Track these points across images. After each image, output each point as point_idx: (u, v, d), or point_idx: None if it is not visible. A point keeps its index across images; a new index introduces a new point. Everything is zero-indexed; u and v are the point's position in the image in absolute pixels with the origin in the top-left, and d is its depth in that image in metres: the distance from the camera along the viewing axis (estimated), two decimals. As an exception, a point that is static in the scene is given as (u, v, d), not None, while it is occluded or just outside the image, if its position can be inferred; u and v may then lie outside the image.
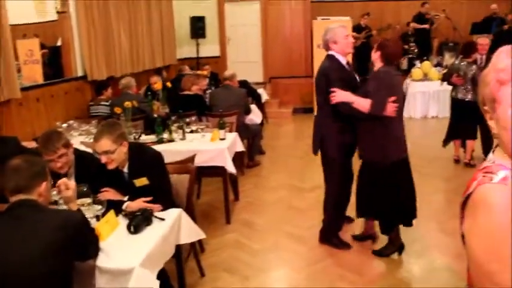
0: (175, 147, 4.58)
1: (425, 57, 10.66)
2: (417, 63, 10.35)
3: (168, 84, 7.36)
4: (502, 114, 1.16)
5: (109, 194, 3.05)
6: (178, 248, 3.04)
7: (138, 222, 2.71)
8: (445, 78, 6.37)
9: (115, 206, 2.90)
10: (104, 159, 3.00)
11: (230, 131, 5.24)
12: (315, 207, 4.97)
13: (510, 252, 1.07)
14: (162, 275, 2.79)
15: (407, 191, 3.92)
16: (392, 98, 3.63)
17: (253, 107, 7.11)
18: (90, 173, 3.13)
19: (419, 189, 5.42)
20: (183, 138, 4.82)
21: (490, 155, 1.27)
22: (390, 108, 3.64)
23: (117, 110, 5.06)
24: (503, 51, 1.19)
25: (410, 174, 3.93)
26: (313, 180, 5.84)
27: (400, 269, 3.82)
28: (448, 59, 10.57)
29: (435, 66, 10.42)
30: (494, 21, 10.96)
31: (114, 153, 3.00)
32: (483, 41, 6.46)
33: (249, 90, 7.32)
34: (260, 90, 8.70)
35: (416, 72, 9.99)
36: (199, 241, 3.98)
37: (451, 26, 11.37)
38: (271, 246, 4.28)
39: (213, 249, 4.21)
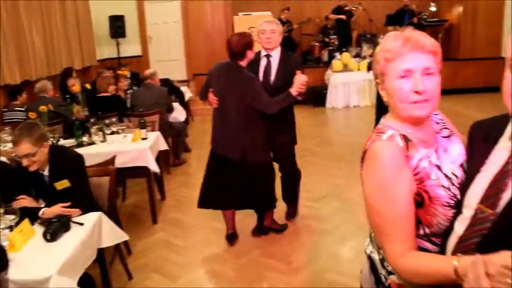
0: (95, 150, 4.46)
1: (344, 49, 11.00)
2: (337, 54, 10.66)
3: (88, 86, 7.15)
4: (389, 84, 1.47)
5: (25, 201, 2.94)
6: (101, 251, 2.97)
7: (55, 229, 2.62)
8: (369, 67, 6.63)
9: (30, 214, 2.79)
10: (25, 162, 2.91)
11: (152, 130, 5.18)
12: (242, 201, 5.03)
13: (392, 193, 1.39)
14: (86, 281, 2.72)
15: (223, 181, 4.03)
16: (210, 90, 3.90)
17: (177, 105, 7.04)
18: (2, 182, 2.99)
19: (347, 176, 5.65)
20: (104, 141, 4.70)
21: (382, 120, 1.55)
22: (210, 99, 3.91)
23: (31, 115, 4.85)
24: (391, 35, 1.48)
25: (221, 166, 4.00)
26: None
27: (326, 254, 3.94)
28: (366, 50, 10.98)
29: (354, 57, 10.79)
30: (406, 14, 11.48)
31: (35, 156, 2.92)
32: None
33: (171, 88, 7.25)
34: (184, 88, 8.64)
35: (336, 63, 10.30)
36: (126, 243, 3.93)
37: (367, 18, 11.79)
38: (200, 243, 4.27)
39: (141, 251, 4.15)
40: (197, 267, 3.86)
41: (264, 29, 4.04)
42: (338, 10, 11.58)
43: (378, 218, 1.43)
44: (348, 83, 10.14)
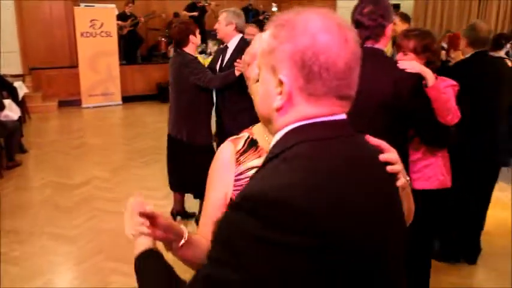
0: None
1: (191, 45, 11.02)
2: (183, 51, 10.66)
3: None
4: (250, 88, 1.44)
5: None
6: None
7: None
8: None
9: None
10: None
11: (-21, 131, 4.70)
12: (83, 204, 4.83)
13: (208, 190, 1.44)
14: None
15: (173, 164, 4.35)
16: None
17: (9, 102, 6.46)
18: None
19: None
20: None
21: None
22: None
23: None
24: (260, 35, 1.37)
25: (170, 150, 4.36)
26: (82, 175, 5.62)
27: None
28: (212, 46, 11.13)
29: (200, 53, 10.87)
30: (251, 12, 11.93)
31: None
32: (250, 30, 6.83)
33: (1, 84, 6.63)
34: (18, 83, 7.95)
35: (182, 59, 10.29)
36: None
37: (213, 15, 11.97)
38: (37, 251, 3.97)
39: (-34, 266, 3.75)
40: (34, 279, 3.57)
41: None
42: (192, 6, 11.60)
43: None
44: (194, 79, 10.20)
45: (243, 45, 4.04)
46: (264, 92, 1.01)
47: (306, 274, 0.79)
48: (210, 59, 10.36)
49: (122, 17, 10.83)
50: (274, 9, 12.55)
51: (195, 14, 11.54)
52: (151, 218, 1.17)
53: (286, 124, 0.98)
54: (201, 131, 4.10)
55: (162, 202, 4.90)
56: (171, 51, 11.19)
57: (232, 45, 4.07)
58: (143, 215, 1.16)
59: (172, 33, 4.12)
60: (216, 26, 4.11)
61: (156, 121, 8.73)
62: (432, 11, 12.05)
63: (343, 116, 0.98)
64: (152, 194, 5.01)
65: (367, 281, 0.88)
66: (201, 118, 4.08)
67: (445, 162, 2.78)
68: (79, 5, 10.29)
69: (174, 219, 4.39)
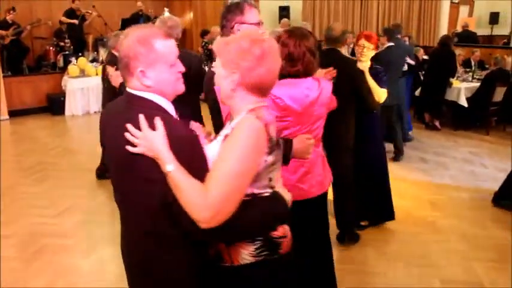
0: None
1: (80, 54, 10.68)
2: (73, 59, 10.27)
3: None
4: None
5: None
6: None
7: None
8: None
9: None
10: None
11: None
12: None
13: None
14: None
15: None
16: None
17: None
18: None
19: (89, 186, 5.48)
20: None
21: None
22: None
23: None
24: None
25: None
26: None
27: (71, 272, 3.81)
28: (103, 54, 10.82)
29: (91, 61, 10.59)
30: (141, 18, 11.73)
31: None
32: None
33: None
34: None
35: (72, 69, 9.95)
36: None
37: (103, 22, 11.65)
38: None
39: None
40: None
41: None
42: (70, 12, 11.13)
43: None
44: (86, 88, 9.89)
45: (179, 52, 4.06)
46: None
47: None
48: (101, 67, 10.12)
49: (2, 25, 10.18)
50: (167, 14, 12.45)
51: (75, 22, 11.11)
52: None
53: None
54: None
55: (54, 220, 4.73)
56: (61, 61, 10.73)
57: None
58: None
59: None
60: None
61: (48, 135, 8.36)
62: (319, 12, 12.59)
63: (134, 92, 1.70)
64: (44, 213, 4.80)
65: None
66: None
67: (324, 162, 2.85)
68: None
69: None
